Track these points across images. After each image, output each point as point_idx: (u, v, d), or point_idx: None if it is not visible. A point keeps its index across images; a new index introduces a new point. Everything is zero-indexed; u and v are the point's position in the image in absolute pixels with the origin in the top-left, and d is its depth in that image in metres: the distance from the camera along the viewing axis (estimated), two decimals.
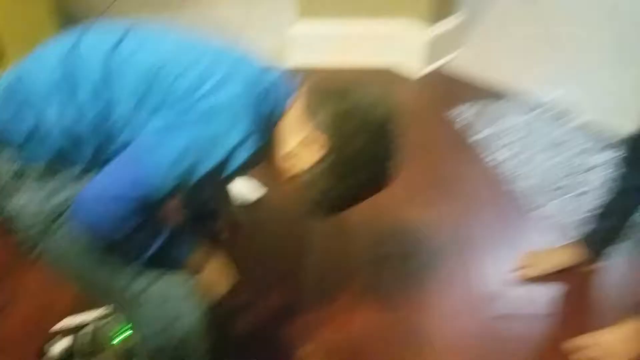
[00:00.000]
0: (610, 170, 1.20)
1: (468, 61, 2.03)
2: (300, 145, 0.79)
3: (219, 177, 0.75)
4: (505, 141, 1.67)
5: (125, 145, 0.73)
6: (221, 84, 0.74)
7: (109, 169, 0.71)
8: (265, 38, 2.25)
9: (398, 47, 1.98)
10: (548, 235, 1.35)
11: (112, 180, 0.71)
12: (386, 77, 1.97)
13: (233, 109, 0.73)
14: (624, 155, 1.14)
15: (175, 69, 0.75)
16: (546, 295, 1.24)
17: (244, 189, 1.39)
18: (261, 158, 0.81)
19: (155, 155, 0.71)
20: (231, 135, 0.72)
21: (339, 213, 0.86)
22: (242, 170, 0.77)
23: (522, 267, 1.26)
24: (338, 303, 1.21)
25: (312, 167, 0.79)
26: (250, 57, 0.83)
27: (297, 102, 0.82)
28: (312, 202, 0.83)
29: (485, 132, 1.70)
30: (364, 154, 0.79)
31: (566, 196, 1.47)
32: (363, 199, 0.84)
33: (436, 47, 1.97)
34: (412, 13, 1.91)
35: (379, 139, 0.80)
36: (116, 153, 0.73)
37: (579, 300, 1.24)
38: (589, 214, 1.23)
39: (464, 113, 1.78)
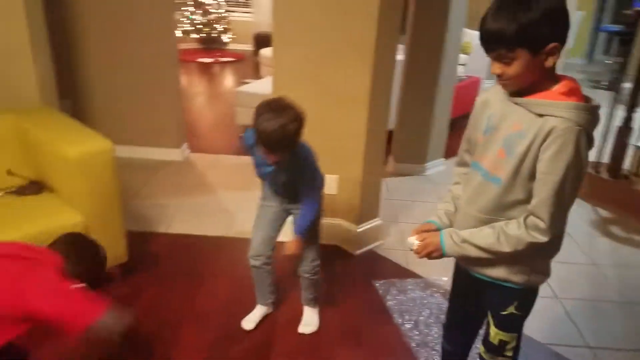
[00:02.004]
0: None
1: (388, 249, 2.93)
2: None
3: None
4: (407, 309, 2.44)
5: None
6: None
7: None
8: None
9: (340, 235, 2.90)
10: None
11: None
12: (337, 251, 2.88)
13: None
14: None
15: None
16: None
17: None
18: None
19: None
20: None
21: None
22: None
23: None
24: None
25: None
26: None
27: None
28: None
29: (396, 301, 2.48)
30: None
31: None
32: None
33: (364, 238, 2.89)
34: (347, 218, 2.89)
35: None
36: None
37: None
38: None
39: (384, 285, 2.59)
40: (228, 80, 7.55)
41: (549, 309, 2.47)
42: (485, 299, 1.52)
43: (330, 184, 2.81)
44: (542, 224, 1.25)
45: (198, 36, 8.64)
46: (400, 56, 4.36)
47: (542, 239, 1.26)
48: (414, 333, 2.27)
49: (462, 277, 1.60)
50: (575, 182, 1.20)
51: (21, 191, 2.31)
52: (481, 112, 1.42)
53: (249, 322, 2.26)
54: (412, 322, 2.34)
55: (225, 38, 8.86)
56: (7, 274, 1.24)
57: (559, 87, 1.21)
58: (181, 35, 8.28)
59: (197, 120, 5.40)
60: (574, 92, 1.21)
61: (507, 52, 1.18)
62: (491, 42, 1.20)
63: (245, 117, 4.58)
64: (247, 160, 2.04)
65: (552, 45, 1.16)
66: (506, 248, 1.30)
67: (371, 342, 2.22)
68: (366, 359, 2.12)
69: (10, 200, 2.28)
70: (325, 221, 2.86)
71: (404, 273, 2.73)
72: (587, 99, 1.24)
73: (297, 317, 2.28)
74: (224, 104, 6.04)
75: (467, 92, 5.22)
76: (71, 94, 3.78)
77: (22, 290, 1.21)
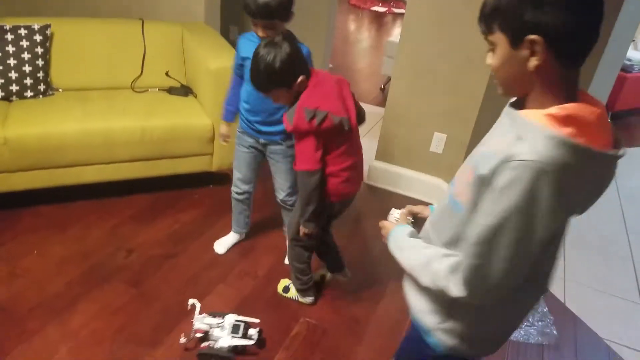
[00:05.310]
0: None
1: None
2: None
3: None
4: None
5: None
6: None
7: None
8: None
9: (438, 195, 2.94)
10: None
11: None
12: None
13: None
14: None
15: None
16: None
17: None
18: None
19: None
20: None
21: None
22: None
23: None
24: None
25: None
26: None
27: None
28: None
29: None
30: None
31: None
32: None
33: None
34: (447, 179, 2.89)
35: None
36: None
37: None
38: None
39: None
40: (395, 31, 7.60)
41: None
42: None
43: (437, 143, 2.85)
44: (458, 276, 0.92)
45: None
46: None
47: (454, 291, 0.92)
48: None
49: None
50: (518, 235, 0.83)
51: (171, 91, 2.80)
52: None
53: (221, 246, 2.38)
54: None
55: None
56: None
57: (556, 108, 0.82)
58: None
59: (346, 64, 5.64)
60: (573, 121, 0.81)
61: (486, 29, 0.88)
62: (480, 15, 0.89)
63: (391, 68, 4.68)
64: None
65: (531, 37, 0.81)
66: (424, 278, 1.00)
67: None
68: None
69: (161, 96, 2.78)
70: (426, 179, 2.94)
71: None
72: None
73: None
74: (378, 53, 6.17)
75: None
76: (238, 22, 4.28)
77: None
